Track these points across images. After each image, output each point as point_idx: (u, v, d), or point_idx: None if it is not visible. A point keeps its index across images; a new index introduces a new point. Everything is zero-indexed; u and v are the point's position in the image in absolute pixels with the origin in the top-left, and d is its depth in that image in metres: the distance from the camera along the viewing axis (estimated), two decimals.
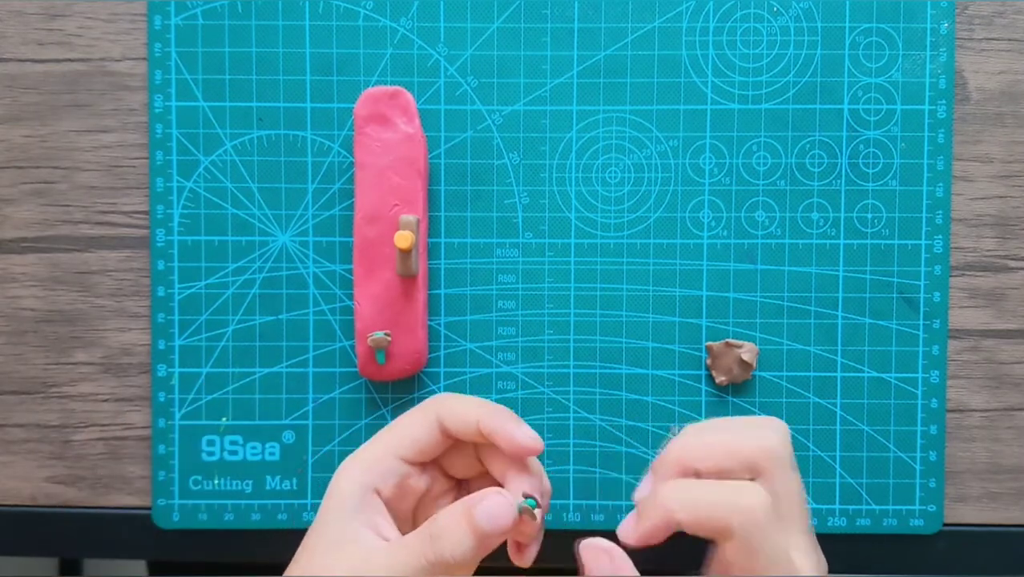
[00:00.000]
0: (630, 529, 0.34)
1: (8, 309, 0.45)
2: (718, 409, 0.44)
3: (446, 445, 0.37)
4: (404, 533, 0.35)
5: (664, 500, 0.33)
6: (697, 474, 0.34)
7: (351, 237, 0.44)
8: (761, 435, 0.34)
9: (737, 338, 0.44)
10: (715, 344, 0.44)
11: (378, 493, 0.35)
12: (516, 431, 0.35)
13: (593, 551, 0.34)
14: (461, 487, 0.39)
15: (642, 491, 0.35)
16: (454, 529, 0.33)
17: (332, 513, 0.35)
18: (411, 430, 0.36)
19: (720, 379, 0.44)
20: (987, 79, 0.44)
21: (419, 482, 0.37)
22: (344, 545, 0.34)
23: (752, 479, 0.33)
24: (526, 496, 0.34)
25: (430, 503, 0.38)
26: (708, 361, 0.44)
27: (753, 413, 0.44)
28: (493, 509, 0.33)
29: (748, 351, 0.43)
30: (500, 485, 0.36)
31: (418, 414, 0.37)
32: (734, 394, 0.44)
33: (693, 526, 0.33)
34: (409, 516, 0.37)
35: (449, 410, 0.36)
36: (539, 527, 0.35)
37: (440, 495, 0.38)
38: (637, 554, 0.46)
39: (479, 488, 0.35)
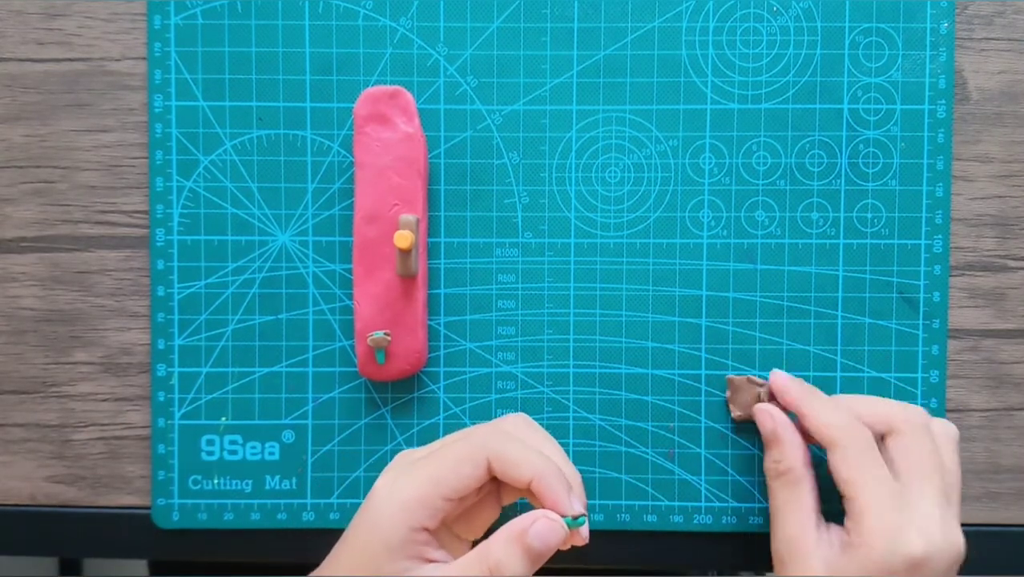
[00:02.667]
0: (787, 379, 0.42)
1: (8, 309, 0.45)
2: (718, 409, 0.44)
3: (490, 478, 0.37)
4: (439, 538, 0.36)
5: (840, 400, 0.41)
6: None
7: (351, 237, 0.44)
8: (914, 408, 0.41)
9: (737, 340, 0.44)
10: (736, 378, 0.44)
11: (424, 528, 0.36)
12: (567, 505, 0.36)
13: (761, 413, 0.41)
14: (501, 485, 0.39)
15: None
16: (510, 556, 0.35)
17: (377, 548, 0.35)
18: (458, 471, 0.36)
19: (736, 414, 0.44)
20: (987, 79, 0.44)
21: (460, 506, 0.37)
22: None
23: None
24: (576, 516, 0.36)
25: (470, 511, 0.39)
26: (728, 394, 0.44)
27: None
28: (545, 533, 0.35)
29: (768, 391, 0.43)
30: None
31: (468, 452, 0.36)
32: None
33: (865, 410, 0.40)
34: (444, 521, 0.37)
35: (501, 458, 0.36)
36: (584, 533, 0.37)
37: (481, 500, 0.39)
38: (637, 554, 0.46)
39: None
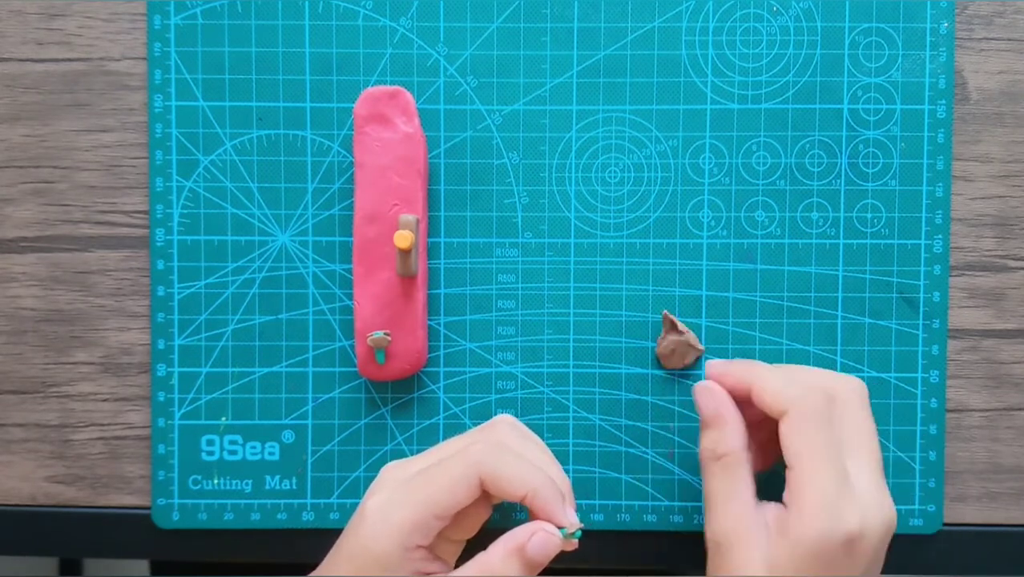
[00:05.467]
0: (720, 364, 0.40)
1: (8, 309, 0.45)
2: None
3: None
4: (433, 544, 0.37)
5: (763, 369, 0.39)
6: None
7: (351, 237, 0.44)
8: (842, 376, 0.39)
9: (737, 340, 0.44)
10: (671, 319, 0.44)
11: (419, 547, 0.36)
12: (562, 517, 0.37)
13: (701, 393, 0.39)
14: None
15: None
16: (510, 568, 0.36)
17: (373, 567, 0.36)
18: (453, 492, 0.36)
19: (659, 351, 0.44)
20: (987, 79, 0.44)
21: (453, 518, 0.37)
22: None
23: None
24: (572, 530, 0.37)
25: (460, 514, 0.38)
26: (662, 333, 0.44)
27: None
28: (543, 546, 0.36)
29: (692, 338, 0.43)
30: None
31: (460, 470, 0.36)
32: None
33: (778, 388, 0.38)
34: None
35: (495, 476, 0.36)
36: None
37: (472, 504, 0.38)
38: (637, 554, 0.46)
39: None
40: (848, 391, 0.38)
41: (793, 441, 0.36)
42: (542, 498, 0.36)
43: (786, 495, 0.37)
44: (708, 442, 0.38)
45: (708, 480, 0.38)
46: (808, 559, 0.35)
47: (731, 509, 0.37)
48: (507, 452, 0.37)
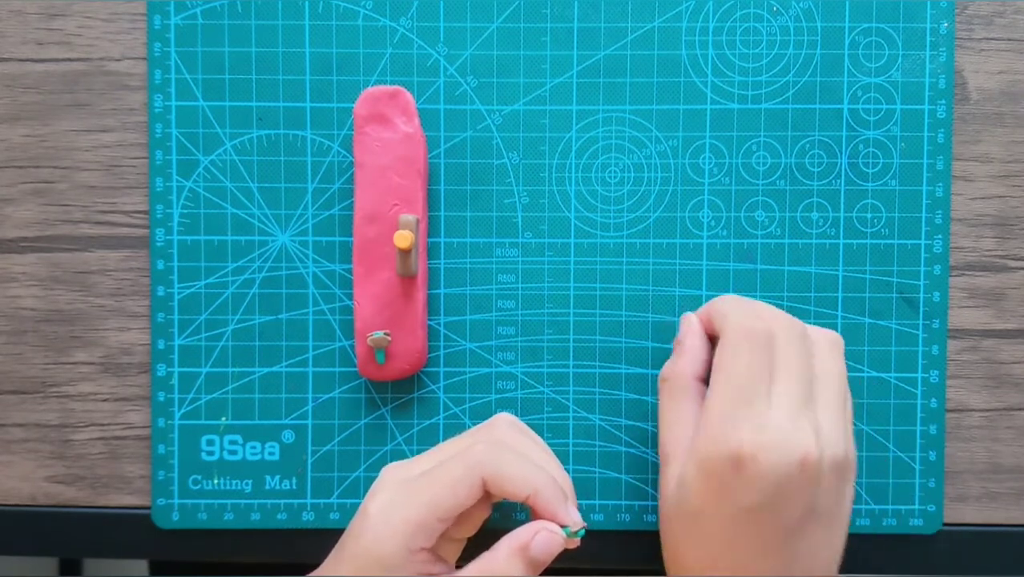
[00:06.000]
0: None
1: (8, 309, 0.45)
2: None
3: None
4: (437, 545, 0.37)
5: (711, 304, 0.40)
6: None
7: (351, 237, 0.44)
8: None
9: None
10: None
11: (422, 549, 0.36)
12: (565, 516, 0.37)
13: (682, 321, 0.41)
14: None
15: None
16: (514, 568, 0.36)
17: (374, 567, 0.35)
18: (455, 494, 0.36)
19: None
20: (987, 79, 0.44)
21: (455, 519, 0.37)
22: None
23: None
24: (575, 529, 0.37)
25: (464, 516, 0.38)
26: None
27: None
28: (546, 545, 0.36)
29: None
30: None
31: (462, 472, 0.36)
32: None
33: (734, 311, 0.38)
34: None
35: (497, 476, 0.36)
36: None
37: (476, 505, 0.38)
38: (637, 554, 0.46)
39: None
40: (819, 334, 0.39)
41: (716, 358, 0.37)
42: (544, 498, 0.36)
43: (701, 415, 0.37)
44: (665, 366, 0.40)
45: (659, 400, 0.40)
46: (700, 476, 0.35)
47: (673, 432, 0.38)
48: (508, 452, 0.37)
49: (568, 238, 0.44)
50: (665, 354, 0.44)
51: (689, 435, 0.37)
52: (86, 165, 0.44)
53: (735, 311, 0.38)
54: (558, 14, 0.44)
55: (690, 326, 0.40)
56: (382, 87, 0.43)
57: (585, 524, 0.38)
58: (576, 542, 0.37)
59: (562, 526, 0.37)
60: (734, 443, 0.34)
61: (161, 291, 0.44)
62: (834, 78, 0.44)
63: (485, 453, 0.37)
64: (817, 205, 0.44)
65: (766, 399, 0.35)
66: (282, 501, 0.45)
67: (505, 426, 0.40)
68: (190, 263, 0.44)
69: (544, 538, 0.36)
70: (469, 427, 0.44)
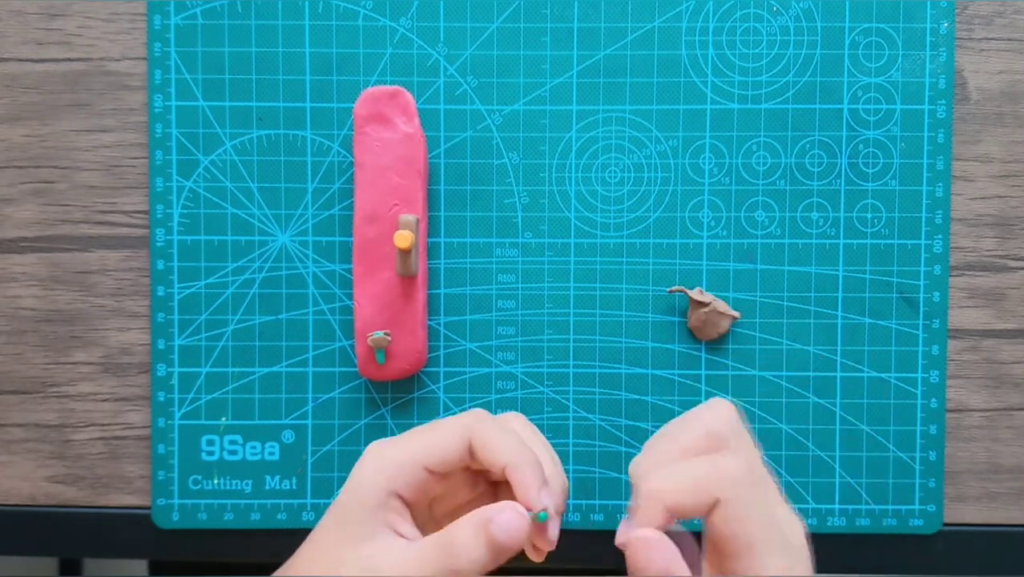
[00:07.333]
0: (626, 531, 0.34)
1: (8, 309, 0.45)
2: None
3: (471, 460, 0.37)
4: (425, 531, 0.36)
5: (651, 491, 0.33)
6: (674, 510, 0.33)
7: (351, 237, 0.44)
8: (711, 417, 0.36)
9: (736, 340, 0.44)
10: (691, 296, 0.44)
11: (400, 496, 0.35)
12: (536, 497, 0.35)
13: (641, 545, 0.33)
14: (497, 489, 0.39)
15: (623, 532, 0.35)
16: (470, 541, 0.34)
17: (352, 507, 0.35)
18: (442, 444, 0.36)
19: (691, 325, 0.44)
20: (987, 79, 0.44)
21: (441, 487, 0.37)
22: (361, 541, 0.34)
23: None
24: (538, 509, 0.35)
25: (461, 509, 0.38)
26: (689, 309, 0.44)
27: (751, 414, 0.44)
28: (508, 524, 0.34)
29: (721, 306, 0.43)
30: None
31: (453, 428, 0.36)
32: (735, 393, 0.44)
33: (684, 505, 0.33)
34: (432, 515, 0.38)
35: (482, 439, 0.36)
36: (552, 535, 0.36)
37: (474, 500, 0.38)
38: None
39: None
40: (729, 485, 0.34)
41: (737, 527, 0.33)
42: (520, 472, 0.35)
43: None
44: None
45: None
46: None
47: None
48: (499, 425, 0.37)
49: (568, 238, 0.44)
50: (665, 354, 0.44)
51: None
52: (86, 165, 0.44)
53: (680, 492, 0.33)
54: (558, 14, 0.44)
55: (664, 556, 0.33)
56: (382, 87, 0.43)
57: (553, 512, 0.35)
58: (548, 541, 0.36)
59: (537, 514, 0.35)
60: None
61: (161, 291, 0.44)
62: (834, 78, 0.44)
63: (476, 418, 0.37)
64: (817, 205, 0.44)
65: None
66: (282, 501, 0.45)
67: (514, 418, 0.40)
68: (190, 263, 0.44)
69: (509, 516, 0.34)
70: None
